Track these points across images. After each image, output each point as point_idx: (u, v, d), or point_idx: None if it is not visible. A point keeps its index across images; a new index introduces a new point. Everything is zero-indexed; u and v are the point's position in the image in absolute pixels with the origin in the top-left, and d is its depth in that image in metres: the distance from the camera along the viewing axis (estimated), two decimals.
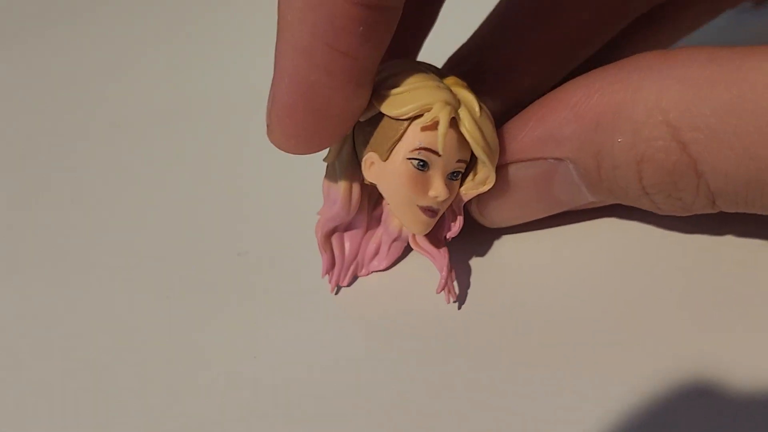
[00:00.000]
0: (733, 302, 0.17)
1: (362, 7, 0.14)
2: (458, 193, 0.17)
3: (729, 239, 0.18)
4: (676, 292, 0.17)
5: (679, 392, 0.15)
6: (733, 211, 0.15)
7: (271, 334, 0.18)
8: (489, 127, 0.16)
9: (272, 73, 0.15)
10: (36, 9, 0.35)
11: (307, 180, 0.21)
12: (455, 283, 0.18)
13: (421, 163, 0.16)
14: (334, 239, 0.18)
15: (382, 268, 0.19)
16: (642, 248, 0.19)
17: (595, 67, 0.16)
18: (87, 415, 0.17)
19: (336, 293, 0.19)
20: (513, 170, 0.17)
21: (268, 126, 0.15)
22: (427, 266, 0.18)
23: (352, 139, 0.17)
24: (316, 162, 0.20)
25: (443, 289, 0.17)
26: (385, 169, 0.16)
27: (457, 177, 0.16)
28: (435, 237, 0.18)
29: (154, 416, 0.16)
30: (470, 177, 0.17)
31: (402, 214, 0.17)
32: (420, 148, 0.16)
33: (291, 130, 0.15)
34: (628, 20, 0.19)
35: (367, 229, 0.19)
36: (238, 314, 0.19)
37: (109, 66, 0.30)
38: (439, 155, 0.16)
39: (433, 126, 0.15)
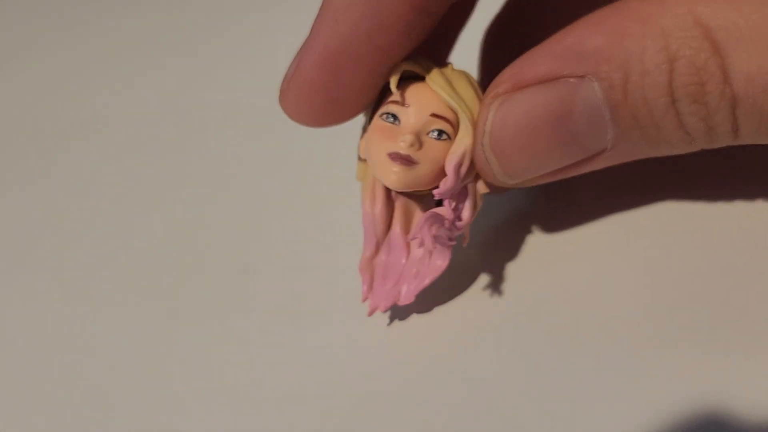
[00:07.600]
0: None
1: (410, 8, 0.15)
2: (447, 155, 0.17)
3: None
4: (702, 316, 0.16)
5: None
6: (752, 137, 0.15)
7: (277, 349, 0.18)
8: (464, 85, 0.17)
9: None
10: (48, 11, 0.35)
11: (315, 190, 0.22)
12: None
13: (390, 117, 0.16)
14: (377, 263, 0.18)
15: (434, 274, 0.17)
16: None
17: None
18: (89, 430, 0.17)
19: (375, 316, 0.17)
20: (528, 97, 0.15)
21: (282, 91, 0.16)
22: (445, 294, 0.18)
23: None
24: (325, 173, 0.21)
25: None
26: (367, 136, 0.17)
27: (441, 137, 0.16)
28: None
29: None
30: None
31: (377, 168, 0.16)
32: (388, 102, 0.16)
33: (305, 103, 0.16)
34: None
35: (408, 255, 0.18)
36: (244, 330, 0.18)
37: (113, 76, 0.30)
38: (406, 106, 0.16)
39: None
